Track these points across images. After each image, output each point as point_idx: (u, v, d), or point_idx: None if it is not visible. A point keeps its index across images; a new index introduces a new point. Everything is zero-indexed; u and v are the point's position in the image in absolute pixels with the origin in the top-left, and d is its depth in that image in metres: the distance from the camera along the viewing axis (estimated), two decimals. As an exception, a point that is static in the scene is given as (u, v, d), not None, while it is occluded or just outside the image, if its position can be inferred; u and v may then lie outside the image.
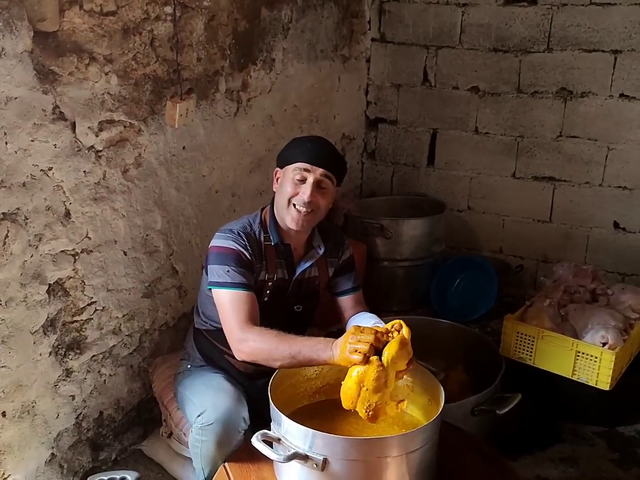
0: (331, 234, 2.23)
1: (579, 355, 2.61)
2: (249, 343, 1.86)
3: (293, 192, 1.99)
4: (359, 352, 1.64)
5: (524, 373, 2.78)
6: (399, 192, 4.15)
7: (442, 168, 3.99)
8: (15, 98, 1.88)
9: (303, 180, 1.99)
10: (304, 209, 1.99)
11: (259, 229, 2.08)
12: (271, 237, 2.08)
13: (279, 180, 2.07)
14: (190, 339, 2.28)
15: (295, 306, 2.16)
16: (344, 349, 1.68)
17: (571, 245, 3.73)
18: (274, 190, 2.10)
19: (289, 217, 2.01)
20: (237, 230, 2.03)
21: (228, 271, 1.96)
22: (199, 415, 1.93)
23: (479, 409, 2.45)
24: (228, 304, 1.94)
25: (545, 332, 2.69)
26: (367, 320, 2.06)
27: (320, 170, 1.99)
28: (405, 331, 1.70)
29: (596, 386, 2.60)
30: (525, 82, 3.64)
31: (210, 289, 2.01)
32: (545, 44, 3.55)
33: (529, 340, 2.74)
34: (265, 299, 2.07)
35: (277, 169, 2.10)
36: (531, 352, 2.74)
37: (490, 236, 3.96)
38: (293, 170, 1.99)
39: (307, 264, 2.13)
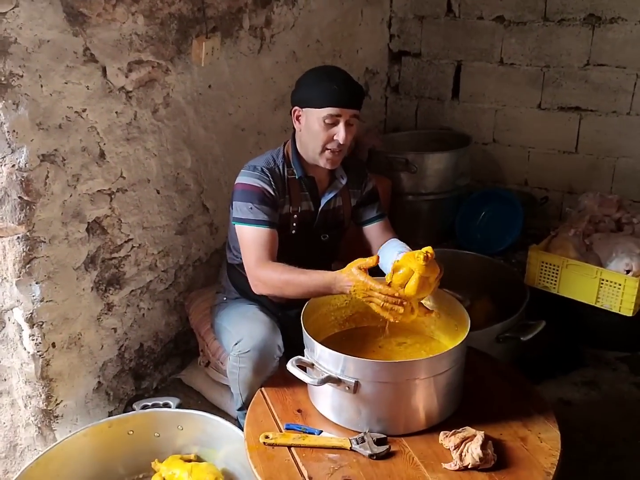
0: (353, 166, 2.28)
1: (602, 283, 2.66)
2: (264, 278, 1.99)
3: (327, 138, 2.03)
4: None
5: (549, 302, 2.84)
6: (423, 126, 4.14)
7: (467, 101, 3.97)
8: (48, 41, 1.92)
9: (334, 124, 2.02)
10: (337, 149, 2.05)
11: (282, 163, 2.14)
12: (295, 171, 2.14)
13: (300, 120, 2.08)
14: (224, 273, 2.37)
15: (321, 235, 2.24)
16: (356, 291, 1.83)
17: (597, 176, 3.72)
18: (297, 128, 2.12)
19: (324, 160, 2.07)
20: (261, 167, 2.09)
21: (251, 208, 2.04)
22: (236, 344, 2.03)
23: (504, 336, 2.53)
24: (248, 240, 2.04)
25: (570, 261, 2.74)
26: (394, 248, 2.13)
27: (350, 112, 2.02)
28: (418, 269, 1.79)
29: (619, 312, 2.66)
30: (551, 10, 3.56)
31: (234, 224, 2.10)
32: (574, -32, 3.46)
33: (554, 269, 2.79)
34: (293, 231, 2.15)
35: (297, 107, 2.08)
36: (555, 281, 2.79)
37: (515, 169, 3.96)
38: (323, 117, 2.00)
39: (331, 195, 2.20)
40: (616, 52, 3.48)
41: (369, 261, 1.82)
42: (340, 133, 2.01)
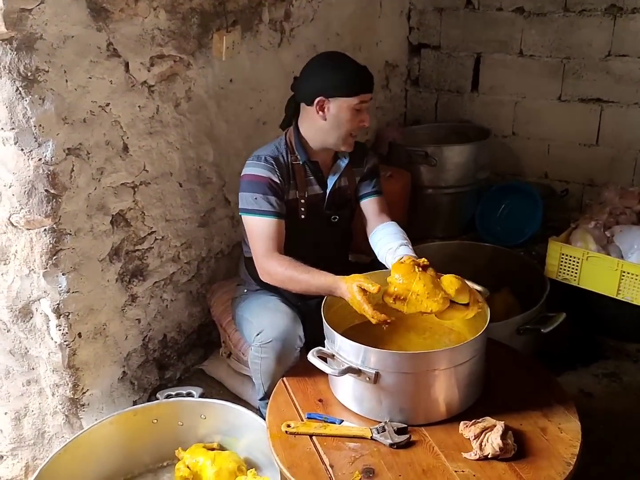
0: (355, 147, 2.30)
1: (624, 275, 2.65)
2: (270, 270, 2.04)
3: (356, 124, 2.11)
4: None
5: (569, 294, 2.83)
6: (443, 119, 4.13)
7: (487, 93, 3.95)
8: (72, 37, 1.96)
9: (360, 110, 2.10)
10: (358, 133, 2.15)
11: (285, 150, 2.19)
12: (298, 157, 2.18)
13: (325, 110, 2.09)
14: (243, 267, 2.40)
15: (331, 217, 2.28)
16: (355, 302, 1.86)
17: (618, 168, 3.68)
18: (320, 118, 2.11)
19: (347, 145, 2.16)
20: (265, 156, 2.13)
21: (256, 198, 2.08)
22: (257, 334, 2.06)
23: (524, 328, 2.53)
24: (255, 231, 2.08)
25: (591, 253, 2.72)
26: (394, 237, 2.18)
27: (369, 95, 2.11)
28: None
29: (641, 305, 2.65)
30: (572, 0, 3.54)
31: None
32: (595, -43, 3.43)
33: (574, 261, 2.78)
34: (302, 216, 2.20)
35: (322, 97, 2.07)
36: (576, 273, 2.78)
37: (535, 161, 3.93)
38: (355, 105, 2.07)
39: (335, 177, 2.26)
40: (638, 42, 3.44)
41: (372, 288, 1.84)
42: (367, 118, 2.12)
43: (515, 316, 2.58)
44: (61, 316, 2.10)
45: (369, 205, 2.32)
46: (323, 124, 2.12)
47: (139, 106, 2.25)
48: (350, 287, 1.86)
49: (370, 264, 2.41)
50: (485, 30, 3.83)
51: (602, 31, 3.51)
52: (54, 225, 2.01)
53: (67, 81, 1.97)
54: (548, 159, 3.89)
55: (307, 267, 1.99)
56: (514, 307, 2.78)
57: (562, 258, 2.81)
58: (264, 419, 1.91)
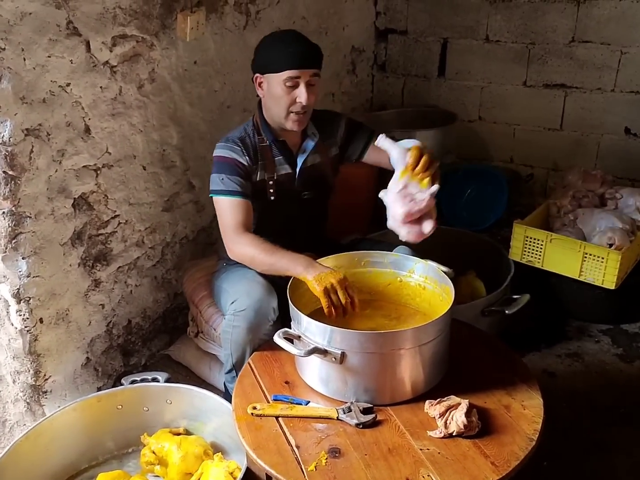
0: (324, 119, 2.28)
1: (586, 257, 2.69)
2: (237, 247, 2.03)
3: (290, 101, 2.05)
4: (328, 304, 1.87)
5: (533, 276, 2.87)
6: (410, 104, 4.15)
7: (453, 78, 3.97)
8: (30, 13, 1.90)
9: (295, 86, 2.04)
10: (302, 111, 2.08)
11: (252, 131, 2.17)
12: (265, 138, 2.17)
13: (262, 87, 2.11)
14: (222, 244, 2.35)
15: (302, 194, 2.25)
16: (313, 286, 1.88)
17: (581, 153, 3.74)
18: (260, 95, 2.14)
19: (290, 122, 2.10)
20: (232, 138, 2.13)
21: (222, 179, 2.07)
22: (232, 302, 2.06)
23: (489, 310, 2.56)
24: (223, 210, 2.08)
25: (554, 235, 2.76)
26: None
27: (309, 72, 2.04)
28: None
29: (602, 286, 2.69)
30: (537, -14, 3.57)
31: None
32: (559, -55, 3.46)
33: (538, 244, 2.82)
34: (272, 197, 2.18)
35: (257, 75, 2.10)
36: (540, 255, 2.82)
37: (501, 146, 3.98)
38: (284, 81, 2.03)
39: (306, 154, 2.22)
40: (601, 28, 3.50)
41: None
42: (302, 94, 2.04)
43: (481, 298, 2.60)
44: (21, 301, 2.06)
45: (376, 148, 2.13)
46: (265, 101, 2.14)
47: (100, 87, 2.20)
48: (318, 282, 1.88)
49: (349, 244, 2.41)
50: (451, 16, 3.85)
51: (566, 17, 3.56)
52: (13, 208, 1.97)
53: (25, 60, 1.92)
54: (513, 144, 3.94)
55: (274, 246, 1.98)
56: (480, 290, 2.81)
57: (527, 241, 2.85)
58: (230, 394, 1.89)
